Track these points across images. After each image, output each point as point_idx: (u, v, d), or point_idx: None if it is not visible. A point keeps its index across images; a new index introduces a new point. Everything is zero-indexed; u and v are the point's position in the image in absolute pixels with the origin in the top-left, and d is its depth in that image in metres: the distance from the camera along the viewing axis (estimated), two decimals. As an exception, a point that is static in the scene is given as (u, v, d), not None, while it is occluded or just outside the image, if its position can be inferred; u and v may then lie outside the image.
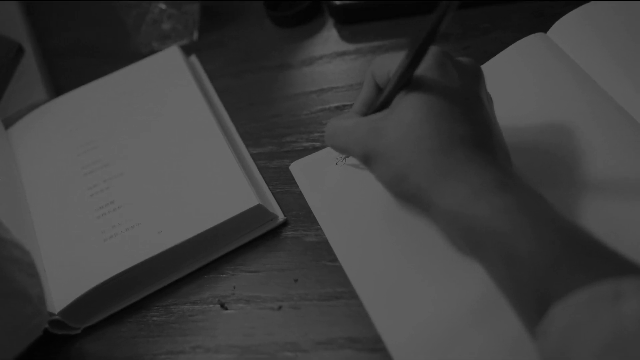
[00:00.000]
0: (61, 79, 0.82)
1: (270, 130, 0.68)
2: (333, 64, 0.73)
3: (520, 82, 0.60)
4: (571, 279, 0.36)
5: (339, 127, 0.49)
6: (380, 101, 0.48)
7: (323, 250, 0.57)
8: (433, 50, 0.46)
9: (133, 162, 0.65)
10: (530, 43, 0.63)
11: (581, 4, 0.63)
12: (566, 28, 0.62)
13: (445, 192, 0.42)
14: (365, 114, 0.50)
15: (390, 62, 0.48)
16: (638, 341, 0.32)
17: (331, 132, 0.50)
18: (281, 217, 0.59)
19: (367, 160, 0.47)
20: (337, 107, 0.67)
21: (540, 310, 0.36)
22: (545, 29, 0.64)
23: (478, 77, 0.48)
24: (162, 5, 0.77)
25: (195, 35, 0.81)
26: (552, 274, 0.37)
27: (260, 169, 0.64)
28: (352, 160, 0.60)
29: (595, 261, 0.37)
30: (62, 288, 0.57)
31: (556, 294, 0.36)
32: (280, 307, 0.54)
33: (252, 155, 0.66)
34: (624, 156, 0.53)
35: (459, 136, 0.43)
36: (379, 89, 0.50)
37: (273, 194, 0.62)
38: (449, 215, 0.42)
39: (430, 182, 0.42)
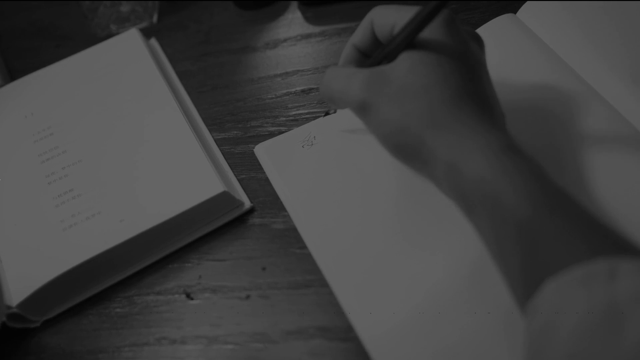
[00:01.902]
0: (15, 62, 0.79)
1: (234, 114, 0.66)
2: (298, 46, 0.71)
3: (490, 64, 0.59)
4: (568, 253, 0.35)
5: (339, 72, 0.47)
6: (384, 54, 0.46)
7: (291, 238, 0.55)
8: (444, 12, 0.45)
9: (92, 148, 0.62)
10: (500, 24, 0.62)
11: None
12: (535, 8, 0.62)
13: (450, 144, 0.41)
14: (356, 60, 0.49)
15: (396, 14, 0.46)
16: (630, 322, 0.31)
17: (329, 77, 0.48)
18: (247, 203, 0.58)
19: (364, 109, 0.45)
20: (302, 91, 0.66)
21: (533, 283, 0.36)
22: (513, 9, 0.63)
23: (481, 45, 0.48)
24: (120, -14, 0.75)
25: (155, 18, 0.78)
26: (549, 246, 0.36)
27: (224, 154, 0.63)
28: (318, 142, 0.58)
29: (593, 237, 0.36)
30: (20, 280, 0.55)
31: (551, 268, 0.35)
32: (248, 297, 0.53)
33: (216, 140, 0.64)
34: (594, 135, 0.53)
35: (467, 93, 0.42)
36: (374, 39, 0.49)
37: (238, 180, 0.60)
38: (452, 169, 0.41)
39: (436, 131, 0.41)
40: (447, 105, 0.42)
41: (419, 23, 0.43)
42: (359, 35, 0.50)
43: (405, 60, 0.44)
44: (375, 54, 0.48)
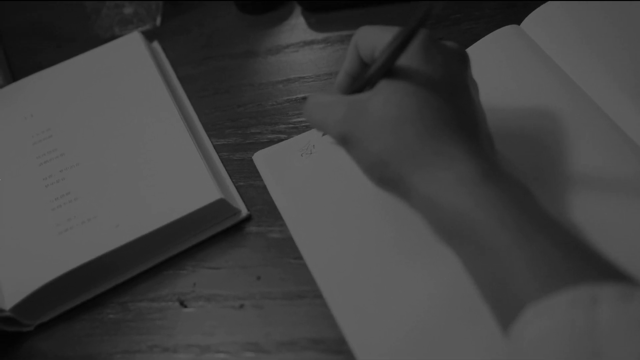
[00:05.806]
0: (17, 61, 0.79)
1: (234, 120, 0.66)
2: (300, 53, 0.71)
3: (493, 75, 0.59)
4: (548, 280, 0.35)
5: (318, 101, 0.47)
6: (365, 80, 0.46)
7: (287, 247, 0.55)
8: (419, 34, 0.44)
9: (90, 152, 0.62)
10: (503, 35, 0.61)
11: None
12: (539, 20, 0.61)
13: (428, 178, 0.40)
14: (349, 86, 0.49)
15: (376, 37, 0.45)
16: (610, 349, 0.31)
17: (310, 106, 0.48)
18: (244, 211, 0.58)
19: (345, 142, 0.44)
20: (303, 98, 0.66)
21: (514, 309, 0.35)
22: (517, 20, 0.63)
23: (464, 62, 0.46)
24: (124, -11, 0.75)
25: (158, 21, 0.78)
26: (530, 272, 0.35)
27: (223, 160, 0.63)
28: (318, 151, 0.58)
29: (576, 263, 0.36)
30: (14, 283, 0.54)
31: (532, 295, 0.35)
32: (241, 306, 0.53)
33: (215, 146, 0.64)
34: (594, 149, 0.53)
35: (444, 121, 0.42)
36: (362, 61, 0.49)
37: (236, 187, 0.60)
38: (431, 203, 0.41)
39: (414, 167, 0.41)
40: (424, 138, 0.41)
41: (396, 49, 0.42)
42: (348, 60, 0.49)
43: (383, 90, 0.43)
44: (358, 79, 0.47)
